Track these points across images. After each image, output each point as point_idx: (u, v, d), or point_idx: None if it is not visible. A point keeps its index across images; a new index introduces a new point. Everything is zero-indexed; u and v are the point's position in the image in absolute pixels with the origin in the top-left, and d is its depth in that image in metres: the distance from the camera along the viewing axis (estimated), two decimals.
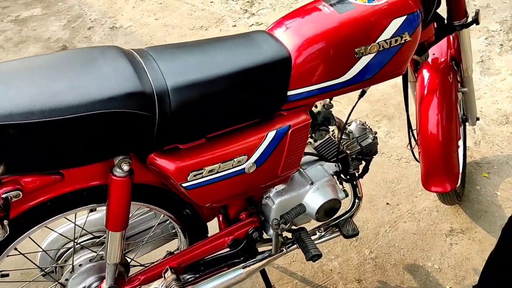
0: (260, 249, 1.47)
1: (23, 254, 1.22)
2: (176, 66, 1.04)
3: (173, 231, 1.44)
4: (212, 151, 1.13)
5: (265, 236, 1.45)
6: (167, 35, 3.24)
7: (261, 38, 1.16)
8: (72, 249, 1.28)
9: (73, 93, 0.91)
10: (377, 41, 1.19)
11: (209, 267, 1.39)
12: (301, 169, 1.43)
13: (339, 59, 1.18)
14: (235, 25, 3.32)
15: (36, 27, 3.38)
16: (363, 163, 1.55)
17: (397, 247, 1.90)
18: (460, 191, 1.98)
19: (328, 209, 1.42)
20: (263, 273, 1.69)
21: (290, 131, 1.20)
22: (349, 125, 1.53)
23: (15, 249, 1.16)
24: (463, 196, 2.06)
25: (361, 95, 1.43)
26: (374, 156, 1.56)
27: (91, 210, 1.33)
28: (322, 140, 1.51)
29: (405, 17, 1.22)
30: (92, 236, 1.31)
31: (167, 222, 1.41)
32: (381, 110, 2.56)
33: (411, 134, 1.69)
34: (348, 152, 1.48)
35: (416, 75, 1.72)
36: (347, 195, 1.46)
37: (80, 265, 1.28)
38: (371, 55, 1.21)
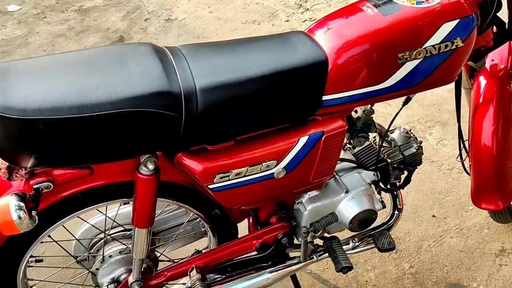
0: (291, 254, 1.44)
1: (56, 242, 1.27)
2: (207, 66, 1.02)
3: (203, 229, 1.44)
4: (240, 154, 1.10)
5: (296, 241, 1.41)
6: (219, 28, 3.24)
7: (297, 39, 1.12)
8: (103, 240, 1.31)
9: (102, 91, 0.91)
10: (424, 46, 1.11)
11: (236, 268, 1.38)
12: (336, 176, 1.37)
13: (380, 65, 1.11)
14: (287, 20, 3.27)
15: (97, 17, 3.51)
16: (405, 173, 1.46)
17: (441, 263, 1.79)
18: None
19: (363, 220, 1.35)
20: (294, 278, 1.65)
21: (323, 137, 1.15)
22: (391, 132, 1.45)
23: (49, 236, 1.20)
24: None
25: (405, 102, 1.34)
26: (417, 167, 1.46)
27: (124, 203, 1.35)
28: (361, 147, 1.44)
29: (457, 21, 1.12)
30: (122, 228, 1.34)
31: (197, 220, 1.41)
32: (435, 116, 2.42)
33: (462, 145, 1.57)
34: (389, 161, 1.40)
35: (471, 81, 1.60)
36: (384, 207, 1.39)
37: (110, 256, 1.31)
38: (417, 61, 1.12)
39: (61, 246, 1.28)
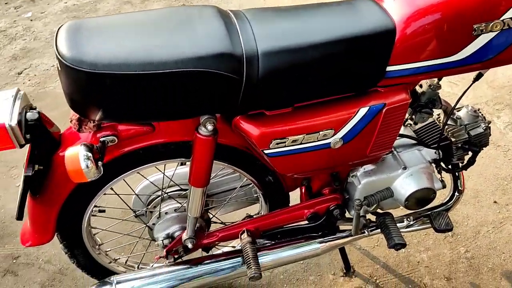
0: (341, 228, 1.43)
1: (118, 195, 1.33)
2: (270, 30, 1.01)
3: (255, 195, 1.46)
4: (298, 121, 1.10)
5: (348, 215, 1.40)
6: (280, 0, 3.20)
7: (365, 6, 1.08)
8: (160, 197, 1.37)
9: (167, 50, 0.93)
10: (501, 18, 1.03)
11: (286, 236, 1.39)
12: (394, 152, 1.33)
13: (453, 36, 1.05)
14: None
15: None
16: (469, 153, 1.39)
17: (498, 250, 1.71)
18: None
19: (420, 198, 1.31)
20: (343, 251, 1.65)
21: (384, 109, 1.12)
22: (458, 110, 1.38)
23: (111, 189, 1.27)
24: None
25: (476, 78, 1.27)
26: (483, 148, 1.39)
27: (181, 164, 1.40)
28: (424, 124, 1.38)
29: None
30: (179, 188, 1.39)
31: (250, 185, 1.43)
32: (505, 98, 2.26)
33: None
34: (453, 140, 1.34)
35: None
36: (444, 187, 1.34)
37: (166, 213, 1.37)
38: (493, 34, 1.05)
39: (122, 200, 1.35)
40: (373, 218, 1.41)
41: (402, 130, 1.36)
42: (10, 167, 2.17)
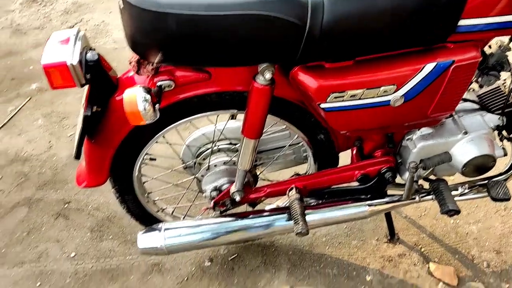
0: (390, 193, 1.40)
1: (169, 144, 1.35)
2: None
3: (304, 154, 1.44)
4: (358, 75, 1.06)
5: (398, 180, 1.36)
6: None
7: None
8: (210, 150, 1.37)
9: None
10: None
11: (334, 196, 1.37)
12: (455, 116, 1.27)
13: None
14: None
15: None
16: None
17: None
18: None
19: (479, 165, 1.26)
20: (389, 218, 1.62)
21: (452, 67, 1.06)
22: None
23: (163, 137, 1.28)
24: None
25: None
26: None
27: (232, 118, 1.39)
28: (489, 89, 1.31)
29: None
30: (229, 142, 1.38)
31: (300, 144, 1.41)
32: None
33: None
34: None
35: None
36: (505, 154, 1.27)
37: (215, 166, 1.37)
38: None
39: (173, 149, 1.36)
40: (425, 185, 1.36)
41: (465, 95, 1.30)
42: (62, 118, 2.23)
